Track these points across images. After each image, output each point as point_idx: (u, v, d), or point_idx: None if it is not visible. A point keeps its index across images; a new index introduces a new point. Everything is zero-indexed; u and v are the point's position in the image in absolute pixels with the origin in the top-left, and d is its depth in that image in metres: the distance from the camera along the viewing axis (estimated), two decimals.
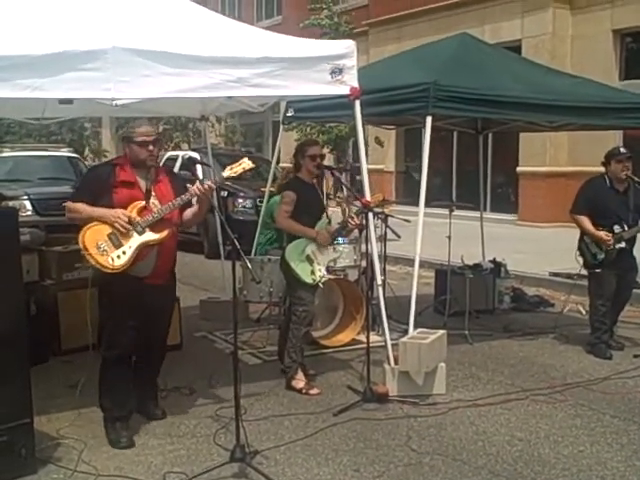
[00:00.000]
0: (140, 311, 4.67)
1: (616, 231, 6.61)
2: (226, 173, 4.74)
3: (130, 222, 4.54)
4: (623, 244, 6.63)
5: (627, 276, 6.83)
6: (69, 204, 4.67)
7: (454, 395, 5.58)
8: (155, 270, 4.71)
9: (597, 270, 6.70)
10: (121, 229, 4.52)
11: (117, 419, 4.70)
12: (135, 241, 4.57)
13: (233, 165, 4.74)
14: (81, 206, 4.61)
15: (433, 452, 4.55)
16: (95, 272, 4.65)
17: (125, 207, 4.58)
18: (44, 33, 4.46)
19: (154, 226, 4.62)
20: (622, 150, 6.80)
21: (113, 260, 4.50)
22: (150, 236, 4.61)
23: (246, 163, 4.74)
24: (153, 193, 4.71)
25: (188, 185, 4.83)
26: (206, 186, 4.67)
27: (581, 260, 6.86)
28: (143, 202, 4.64)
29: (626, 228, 6.63)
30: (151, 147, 4.67)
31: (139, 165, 4.70)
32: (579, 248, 6.85)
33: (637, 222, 6.74)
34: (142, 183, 4.70)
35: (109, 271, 4.52)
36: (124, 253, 4.53)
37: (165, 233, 4.66)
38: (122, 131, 4.68)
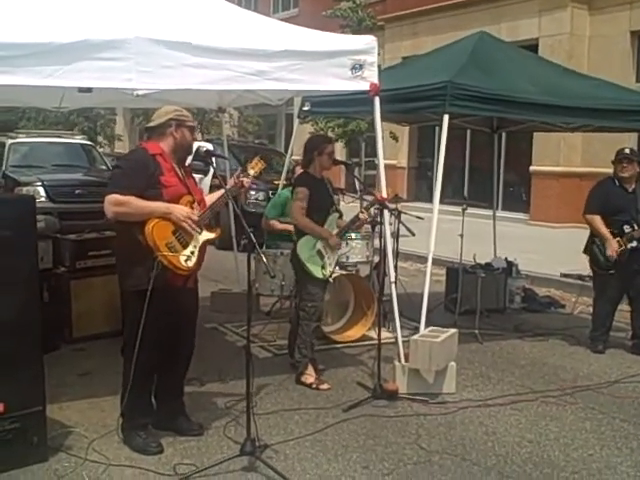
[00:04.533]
0: (176, 311, 4.39)
1: (626, 231, 6.67)
2: (251, 172, 4.68)
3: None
4: (635, 243, 6.66)
5: (637, 278, 6.80)
6: (119, 197, 4.14)
7: (464, 394, 5.58)
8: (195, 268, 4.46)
9: (610, 272, 6.70)
10: (191, 231, 4.27)
11: (141, 427, 4.43)
12: (199, 240, 4.35)
13: (253, 165, 4.71)
14: (136, 200, 4.15)
15: (442, 451, 4.55)
16: (159, 272, 4.14)
17: (176, 202, 4.28)
18: (67, 21, 4.45)
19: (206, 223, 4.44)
20: (625, 151, 6.87)
21: (186, 261, 4.25)
22: (208, 235, 4.41)
23: (261, 162, 4.75)
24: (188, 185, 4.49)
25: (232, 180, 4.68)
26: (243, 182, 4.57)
27: (587, 257, 6.90)
28: (190, 196, 4.37)
29: (636, 227, 6.68)
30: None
31: (181, 153, 4.46)
32: (590, 250, 6.86)
33: None
34: (180, 174, 4.44)
35: (184, 273, 4.27)
36: (192, 253, 4.29)
37: (219, 231, 4.48)
38: (173, 115, 4.40)
